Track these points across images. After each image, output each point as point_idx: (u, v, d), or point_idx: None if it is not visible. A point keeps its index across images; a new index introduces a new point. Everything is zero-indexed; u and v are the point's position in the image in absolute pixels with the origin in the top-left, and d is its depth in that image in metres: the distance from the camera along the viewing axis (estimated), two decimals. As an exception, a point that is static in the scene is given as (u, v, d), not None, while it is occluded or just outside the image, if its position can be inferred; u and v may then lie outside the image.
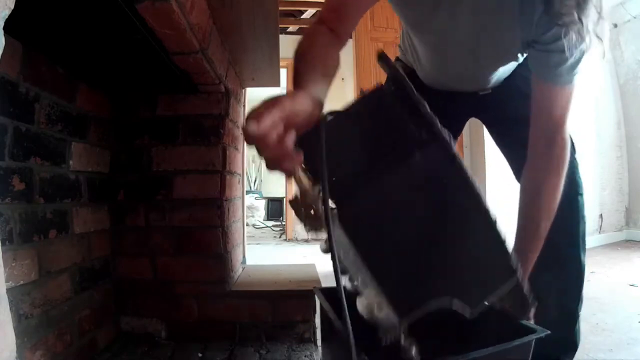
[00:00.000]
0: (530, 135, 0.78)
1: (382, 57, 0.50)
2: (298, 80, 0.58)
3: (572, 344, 0.93)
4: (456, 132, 1.13)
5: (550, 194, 0.75)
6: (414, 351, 0.50)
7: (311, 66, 0.61)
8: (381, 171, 0.46)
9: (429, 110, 0.45)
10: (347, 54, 3.04)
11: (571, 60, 0.67)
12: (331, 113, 0.51)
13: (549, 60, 0.69)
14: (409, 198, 0.48)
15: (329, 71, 0.63)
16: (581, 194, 0.92)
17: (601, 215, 3.34)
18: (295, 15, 3.73)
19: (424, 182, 0.47)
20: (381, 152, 0.48)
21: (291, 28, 3.84)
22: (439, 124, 0.45)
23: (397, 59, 1.13)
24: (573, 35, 0.63)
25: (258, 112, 0.43)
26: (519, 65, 0.98)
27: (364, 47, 2.73)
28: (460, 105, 1.04)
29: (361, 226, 0.48)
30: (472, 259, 0.49)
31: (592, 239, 3.18)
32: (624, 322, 1.49)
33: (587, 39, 0.64)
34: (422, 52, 0.96)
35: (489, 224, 0.46)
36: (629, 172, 3.53)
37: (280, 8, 1.23)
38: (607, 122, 3.48)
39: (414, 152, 0.45)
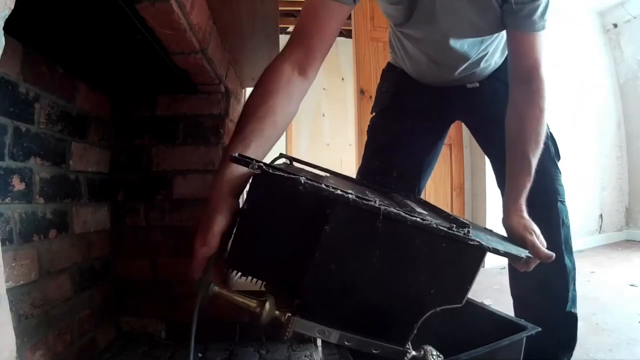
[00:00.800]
0: (510, 79, 0.86)
1: (237, 160, 0.48)
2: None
3: (567, 343, 0.94)
4: (442, 129, 1.15)
5: (534, 125, 0.80)
6: (433, 353, 0.51)
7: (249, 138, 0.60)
8: (310, 252, 0.46)
9: (308, 181, 0.44)
10: (347, 54, 3.04)
11: (542, 7, 0.78)
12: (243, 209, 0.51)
13: (524, 11, 0.78)
14: (355, 262, 0.48)
15: (271, 138, 0.63)
16: (562, 201, 0.94)
17: (601, 215, 3.34)
18: (295, 15, 3.73)
19: (351, 241, 0.47)
20: (299, 235, 0.48)
21: (291, 28, 3.84)
22: (323, 185, 0.45)
23: (389, 63, 1.16)
24: None
25: (199, 241, 0.50)
26: (507, 59, 1.01)
27: (364, 47, 2.73)
28: (450, 101, 1.06)
29: (325, 311, 0.49)
30: (438, 264, 0.49)
31: (592, 239, 3.18)
32: (624, 322, 1.49)
33: None
34: (410, 46, 0.99)
35: (421, 230, 0.46)
36: (629, 172, 3.53)
37: (280, 8, 1.23)
38: (607, 122, 3.48)
39: (323, 222, 0.45)
